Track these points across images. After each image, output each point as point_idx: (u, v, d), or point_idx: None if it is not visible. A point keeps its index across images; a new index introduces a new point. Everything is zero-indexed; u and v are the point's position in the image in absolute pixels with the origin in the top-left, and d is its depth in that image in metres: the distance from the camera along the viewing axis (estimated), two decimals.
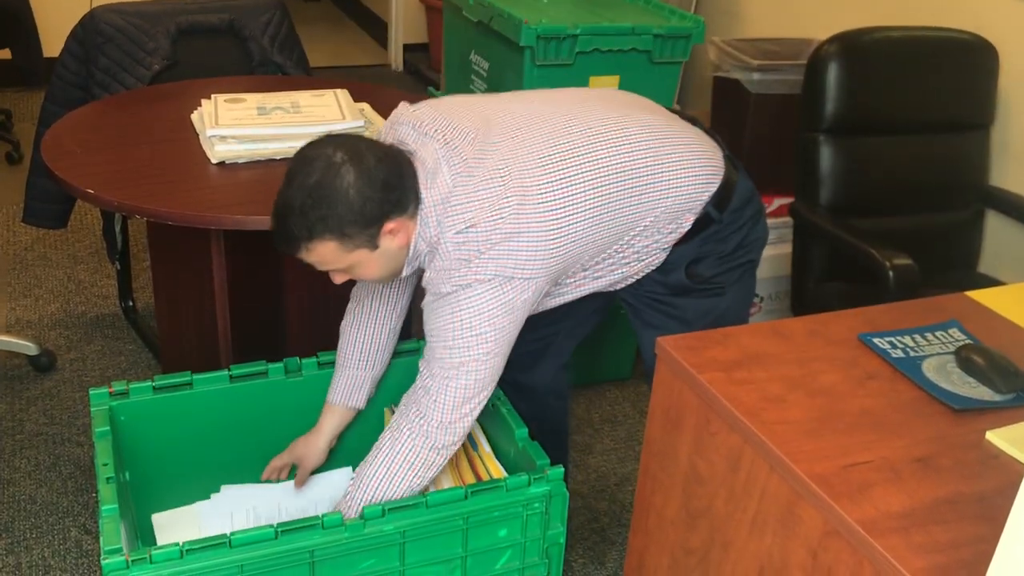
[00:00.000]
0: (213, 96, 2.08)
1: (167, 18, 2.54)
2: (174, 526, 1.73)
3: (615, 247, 1.51)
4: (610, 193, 1.43)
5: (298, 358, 1.73)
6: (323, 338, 2.20)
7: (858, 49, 2.17)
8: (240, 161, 1.88)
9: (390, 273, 1.46)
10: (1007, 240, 2.34)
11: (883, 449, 1.12)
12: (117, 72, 2.45)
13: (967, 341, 1.35)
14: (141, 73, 2.45)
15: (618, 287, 1.61)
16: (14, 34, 3.36)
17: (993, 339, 1.36)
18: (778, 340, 1.34)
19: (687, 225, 1.54)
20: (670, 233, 1.54)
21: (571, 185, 1.40)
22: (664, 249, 1.56)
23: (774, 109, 2.54)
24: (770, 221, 2.61)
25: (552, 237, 1.38)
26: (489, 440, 1.68)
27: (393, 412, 1.76)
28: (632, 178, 1.45)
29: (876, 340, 1.34)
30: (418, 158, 1.41)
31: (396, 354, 1.79)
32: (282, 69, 2.63)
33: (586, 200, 1.41)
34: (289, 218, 1.36)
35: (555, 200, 1.39)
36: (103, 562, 1.27)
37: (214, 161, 1.87)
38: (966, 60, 2.27)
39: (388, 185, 1.36)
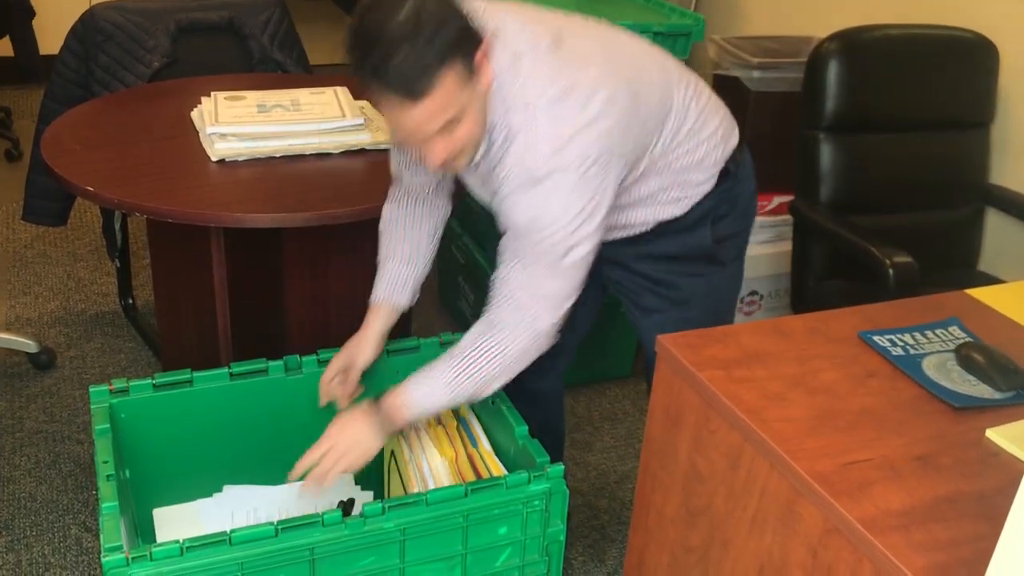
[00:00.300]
0: (213, 94, 2.08)
1: (167, 16, 2.54)
2: (175, 522, 1.73)
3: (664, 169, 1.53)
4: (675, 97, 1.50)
5: (298, 356, 1.73)
6: (323, 336, 2.20)
7: (858, 47, 2.17)
8: (240, 159, 1.88)
9: (480, 131, 1.34)
10: (1007, 238, 2.34)
11: (883, 447, 1.12)
12: (117, 70, 2.45)
13: (967, 339, 1.35)
14: (141, 71, 2.45)
15: (639, 230, 1.59)
16: (12, 26, 3.36)
17: (993, 337, 1.36)
18: (778, 338, 1.34)
19: (713, 180, 1.58)
20: (701, 184, 1.57)
21: (648, 77, 1.45)
22: (691, 197, 1.58)
23: (774, 107, 2.54)
24: (770, 219, 2.63)
25: (634, 118, 1.40)
26: (489, 438, 1.68)
27: None
28: (696, 95, 1.55)
29: (876, 338, 1.34)
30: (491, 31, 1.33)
31: (395, 352, 1.78)
32: (282, 67, 2.63)
33: (659, 92, 1.46)
34: (410, 47, 1.21)
35: (637, 85, 1.41)
36: (103, 559, 1.27)
37: (214, 159, 1.87)
38: (966, 58, 2.27)
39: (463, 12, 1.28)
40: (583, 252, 1.38)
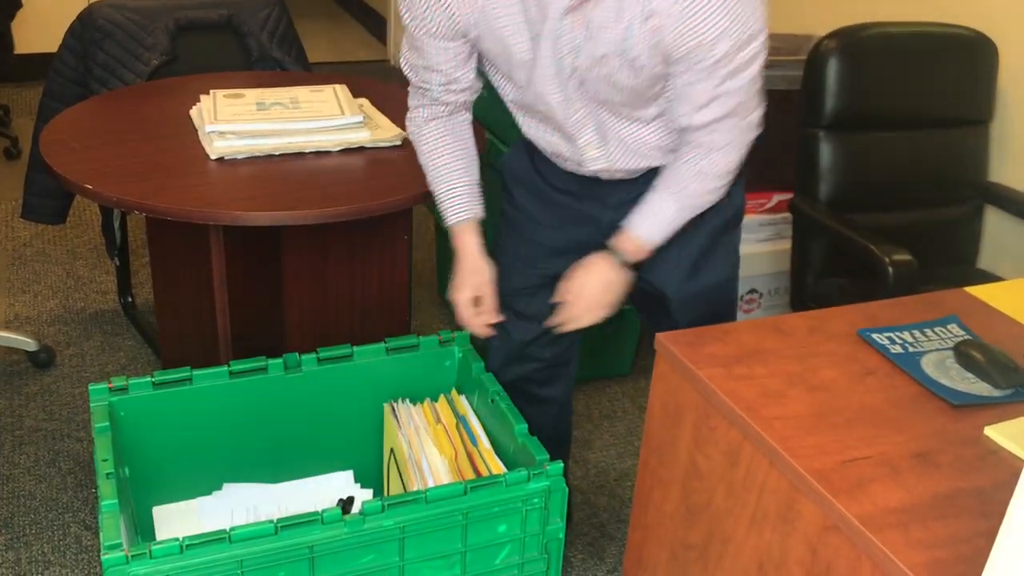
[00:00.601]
0: (212, 92, 2.08)
1: (165, 14, 2.54)
2: (174, 520, 1.73)
3: None
4: None
5: (297, 354, 1.73)
6: (322, 334, 2.20)
7: (858, 45, 2.17)
8: (239, 157, 1.88)
9: None
10: (1006, 236, 2.35)
11: (882, 445, 1.12)
12: (115, 68, 2.45)
13: (966, 337, 1.36)
14: (139, 69, 2.45)
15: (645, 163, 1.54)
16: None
17: (992, 335, 1.37)
18: (777, 336, 1.34)
19: None
20: None
21: None
22: None
23: (773, 105, 2.53)
24: (769, 217, 2.63)
25: None
26: (488, 436, 1.68)
27: (393, 409, 1.76)
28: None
29: (875, 336, 1.34)
30: None
31: (394, 350, 1.79)
32: (281, 65, 2.63)
33: None
34: None
35: None
36: (103, 557, 1.27)
37: (213, 157, 1.87)
38: (966, 56, 2.27)
39: None
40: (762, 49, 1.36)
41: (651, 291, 1.66)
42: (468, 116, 1.64)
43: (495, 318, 1.66)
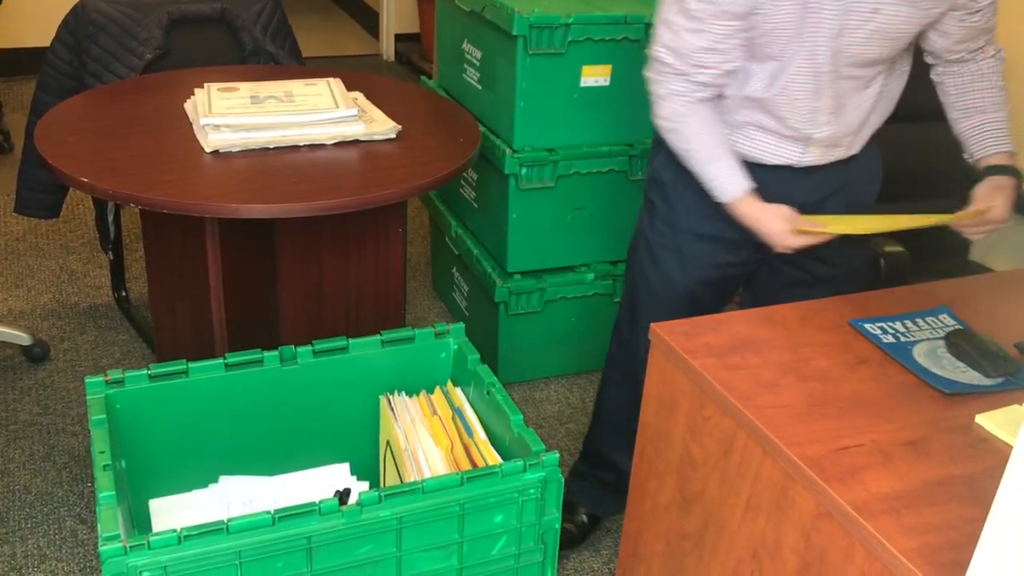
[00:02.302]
0: (206, 85, 2.08)
1: (159, 7, 2.54)
2: (171, 513, 1.74)
3: None
4: None
5: (293, 346, 1.74)
6: (317, 326, 2.21)
7: None
8: (234, 150, 1.88)
9: None
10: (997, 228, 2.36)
11: (874, 433, 1.14)
12: (109, 62, 2.44)
13: (957, 327, 1.37)
14: (133, 63, 2.45)
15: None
16: None
17: (983, 325, 1.38)
18: (770, 326, 1.35)
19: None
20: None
21: None
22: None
23: None
24: None
25: None
26: (484, 427, 1.69)
27: (389, 401, 1.77)
28: None
29: (867, 326, 1.35)
30: None
31: (389, 343, 1.79)
32: (275, 58, 2.63)
33: None
34: None
35: None
36: (101, 548, 1.27)
37: (208, 150, 1.87)
38: None
39: None
40: None
41: (813, 270, 1.76)
42: (716, 107, 1.67)
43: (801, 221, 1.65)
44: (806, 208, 1.67)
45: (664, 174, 1.77)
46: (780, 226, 1.59)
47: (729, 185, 1.62)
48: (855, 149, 1.72)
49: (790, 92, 1.58)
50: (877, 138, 1.78)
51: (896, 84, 1.72)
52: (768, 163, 1.67)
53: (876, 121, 1.75)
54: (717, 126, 1.64)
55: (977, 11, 1.60)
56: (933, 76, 1.75)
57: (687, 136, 1.64)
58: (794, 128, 1.63)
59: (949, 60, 1.69)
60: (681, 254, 1.77)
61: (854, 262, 1.80)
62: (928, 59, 1.73)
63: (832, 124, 1.64)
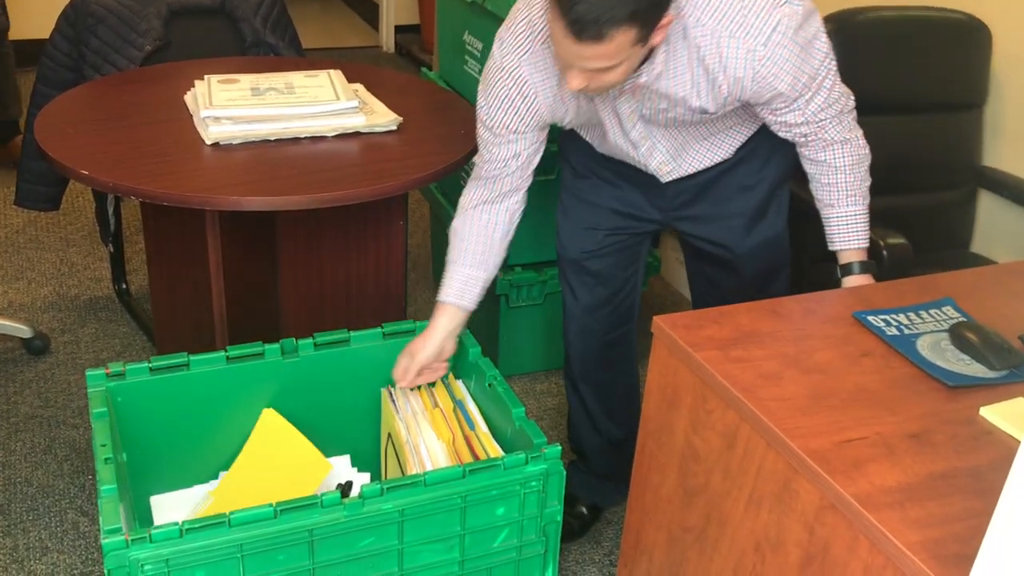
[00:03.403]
0: (206, 77, 2.07)
1: None
2: (172, 509, 1.73)
3: None
4: None
5: (294, 339, 1.73)
6: (318, 318, 2.21)
7: (851, 29, 2.17)
8: (234, 142, 1.88)
9: (624, 78, 1.42)
10: (1000, 219, 2.35)
11: (878, 425, 1.13)
12: (109, 53, 2.43)
13: (961, 319, 1.36)
14: (133, 54, 2.44)
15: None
16: None
17: (986, 317, 1.38)
18: (774, 318, 1.35)
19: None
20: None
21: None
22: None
23: None
24: None
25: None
26: (486, 420, 1.69)
27: (391, 393, 1.77)
28: None
29: (871, 318, 1.35)
30: None
31: (391, 335, 1.79)
32: (275, 50, 2.62)
33: None
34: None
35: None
36: (103, 541, 1.27)
37: (208, 142, 1.86)
38: (959, 40, 2.27)
39: None
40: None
41: (712, 250, 1.79)
42: (520, 204, 1.71)
43: (412, 386, 1.74)
44: (680, 196, 1.74)
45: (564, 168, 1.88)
46: (405, 360, 1.69)
47: (444, 287, 1.68)
48: (725, 156, 1.71)
49: (619, 152, 1.68)
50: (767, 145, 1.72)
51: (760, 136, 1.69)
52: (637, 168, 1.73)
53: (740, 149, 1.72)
54: (481, 233, 1.67)
55: (785, 109, 1.53)
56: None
57: (457, 230, 1.69)
58: (642, 168, 1.70)
59: (799, 143, 1.63)
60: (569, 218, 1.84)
61: (749, 242, 1.78)
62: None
63: (676, 162, 1.68)
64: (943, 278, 1.50)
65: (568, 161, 1.84)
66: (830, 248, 1.66)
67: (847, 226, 1.63)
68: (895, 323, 1.34)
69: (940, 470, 1.07)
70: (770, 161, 1.72)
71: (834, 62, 1.54)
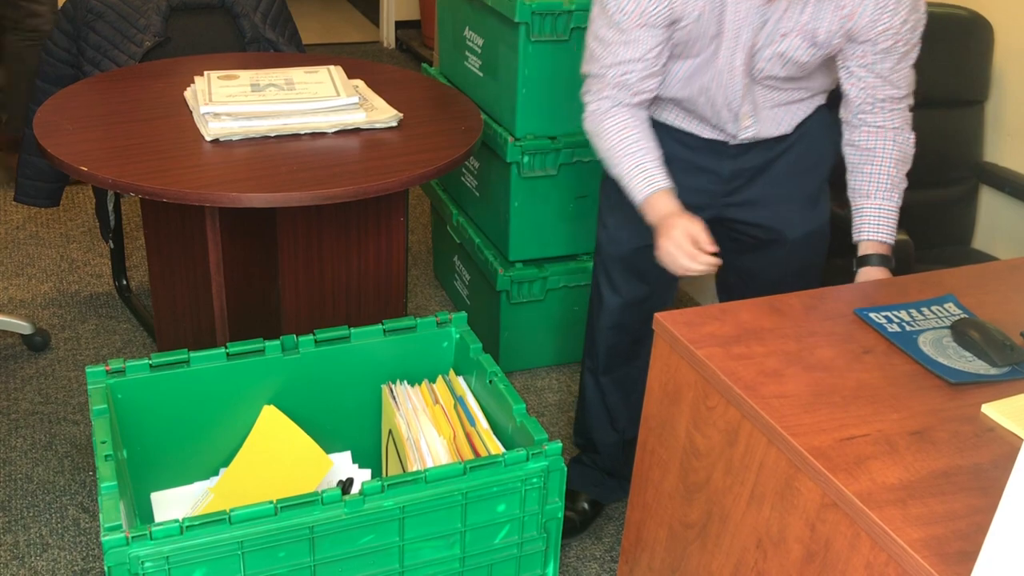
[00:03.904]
0: (206, 73, 2.07)
1: None
2: (172, 506, 1.73)
3: None
4: None
5: (295, 335, 1.73)
6: (319, 315, 2.20)
7: None
8: (234, 138, 1.87)
9: None
10: (1001, 216, 2.35)
11: (880, 422, 1.13)
12: (108, 49, 2.43)
13: (963, 316, 1.36)
14: (132, 50, 2.43)
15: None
16: None
17: (988, 314, 1.37)
18: (775, 315, 1.35)
19: None
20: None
21: None
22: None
23: None
24: None
25: None
26: (487, 416, 1.69)
27: (391, 390, 1.77)
28: None
29: (872, 315, 1.35)
30: None
31: (391, 332, 1.79)
32: (275, 46, 2.61)
33: None
34: None
35: None
36: (103, 539, 1.27)
37: (208, 138, 1.86)
38: (961, 36, 2.27)
39: None
40: None
41: (762, 236, 1.80)
42: (647, 113, 1.71)
43: (713, 247, 1.62)
44: (737, 179, 1.76)
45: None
46: (682, 244, 1.56)
47: (643, 184, 1.64)
48: (788, 130, 1.76)
49: (708, 94, 1.66)
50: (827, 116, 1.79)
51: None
52: (702, 136, 1.75)
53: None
54: (639, 128, 1.66)
55: (882, 51, 1.57)
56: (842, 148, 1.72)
57: (605, 135, 1.67)
58: (717, 126, 1.71)
59: (853, 124, 1.66)
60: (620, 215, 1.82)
61: (801, 229, 1.80)
62: (842, 115, 1.70)
63: (754, 126, 1.71)
64: (945, 274, 1.50)
65: None
66: (855, 238, 1.66)
67: (878, 219, 1.64)
68: (897, 320, 1.34)
69: (942, 467, 1.06)
70: (824, 146, 1.76)
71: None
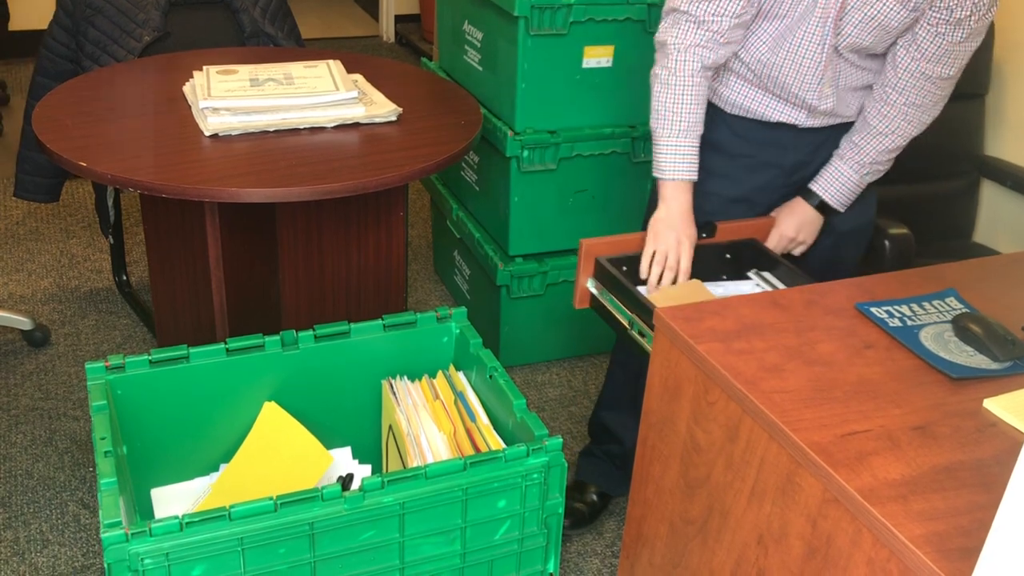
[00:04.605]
0: (205, 68, 2.06)
1: None
2: (173, 502, 1.73)
3: None
4: None
5: (294, 331, 1.73)
6: (319, 310, 2.20)
7: None
8: (233, 133, 1.87)
9: None
10: (1002, 209, 2.35)
11: (881, 418, 1.13)
12: (107, 44, 2.42)
13: (964, 310, 1.36)
14: (131, 45, 2.42)
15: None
16: None
17: (990, 308, 1.37)
18: (776, 310, 1.34)
19: None
20: None
21: None
22: None
23: None
24: None
25: None
26: (487, 412, 1.68)
27: (391, 385, 1.76)
28: None
29: (873, 309, 1.34)
30: None
31: (391, 327, 1.78)
32: (274, 40, 2.60)
33: None
34: None
35: None
36: (103, 535, 1.27)
37: (207, 133, 1.86)
38: None
39: None
40: None
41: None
42: (712, 84, 1.74)
43: (686, 269, 1.68)
44: (798, 171, 1.77)
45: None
46: (672, 241, 1.66)
47: (681, 164, 1.66)
48: (850, 113, 1.77)
49: (794, 58, 1.63)
50: None
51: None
52: (770, 120, 1.74)
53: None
54: (701, 98, 1.66)
55: (955, 21, 1.57)
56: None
57: (677, 93, 1.66)
58: (797, 96, 1.69)
59: (875, 96, 1.70)
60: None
61: (848, 223, 1.82)
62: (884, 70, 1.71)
63: (833, 99, 1.69)
64: (946, 269, 1.50)
65: None
66: (810, 185, 1.73)
67: (838, 181, 1.69)
68: (898, 314, 1.34)
69: (944, 463, 1.06)
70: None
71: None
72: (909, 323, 1.32)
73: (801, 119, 1.72)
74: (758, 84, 1.70)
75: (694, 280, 1.67)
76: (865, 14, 1.57)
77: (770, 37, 1.65)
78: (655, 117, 1.69)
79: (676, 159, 1.66)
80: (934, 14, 1.56)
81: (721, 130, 1.77)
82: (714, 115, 1.76)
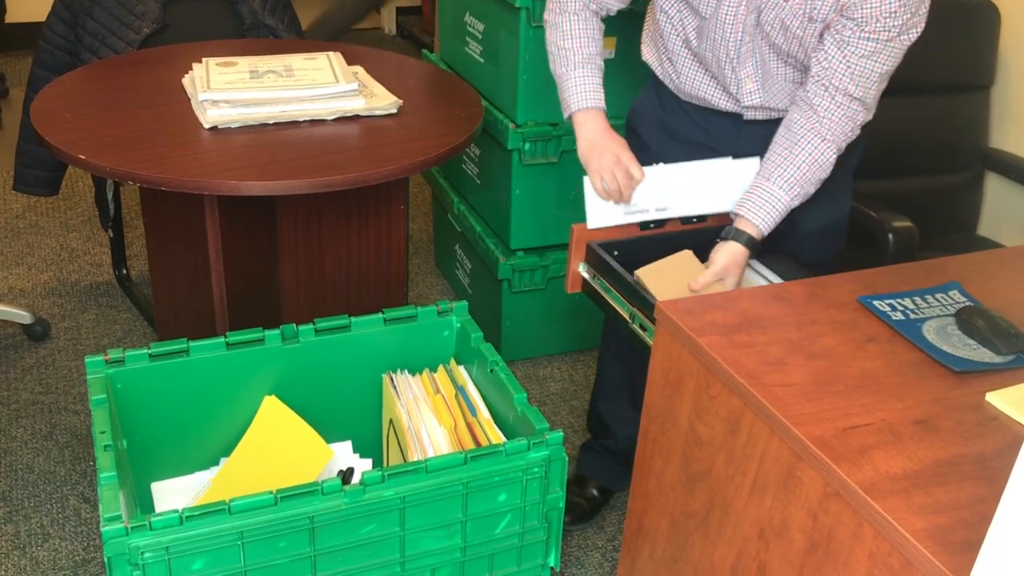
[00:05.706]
0: (204, 60, 2.05)
1: None
2: (173, 496, 1.73)
3: None
4: None
5: (295, 324, 1.72)
6: (319, 304, 2.19)
7: None
8: (233, 126, 1.86)
9: None
10: (1007, 202, 2.34)
11: (883, 411, 1.12)
12: (106, 36, 2.41)
13: (967, 303, 1.35)
14: (130, 37, 2.41)
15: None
16: None
17: (993, 301, 1.36)
18: (777, 303, 1.34)
19: None
20: None
21: None
22: None
23: None
24: None
25: None
26: (488, 406, 1.68)
27: (392, 379, 1.76)
28: None
29: (876, 303, 1.34)
30: None
31: (392, 321, 1.78)
32: (274, 32, 2.59)
33: None
34: None
35: None
36: (103, 529, 1.26)
37: (207, 126, 1.85)
38: (967, 20, 2.25)
39: None
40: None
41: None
42: (602, 26, 1.74)
43: (640, 173, 1.66)
44: (751, 156, 1.70)
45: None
46: (608, 159, 1.63)
47: (581, 95, 1.68)
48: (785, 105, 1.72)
49: (715, 50, 1.63)
50: None
51: None
52: (719, 108, 1.73)
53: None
54: (595, 39, 1.69)
55: (864, 35, 1.49)
56: None
57: (559, 33, 1.70)
58: (726, 88, 1.69)
59: (796, 100, 1.61)
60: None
61: (811, 224, 1.75)
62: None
63: (759, 95, 1.67)
64: (949, 262, 1.49)
65: (639, 135, 1.84)
66: (734, 207, 1.63)
67: (764, 201, 1.58)
68: (901, 308, 1.33)
69: (946, 456, 1.05)
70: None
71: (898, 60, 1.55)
72: (912, 316, 1.31)
73: (741, 110, 1.72)
74: (706, 71, 1.71)
75: (684, 251, 1.65)
76: (776, 15, 1.54)
77: (697, 25, 1.66)
78: (552, 59, 1.73)
79: (579, 88, 1.68)
80: (839, 18, 1.50)
81: (680, 118, 1.78)
82: (671, 101, 1.78)
